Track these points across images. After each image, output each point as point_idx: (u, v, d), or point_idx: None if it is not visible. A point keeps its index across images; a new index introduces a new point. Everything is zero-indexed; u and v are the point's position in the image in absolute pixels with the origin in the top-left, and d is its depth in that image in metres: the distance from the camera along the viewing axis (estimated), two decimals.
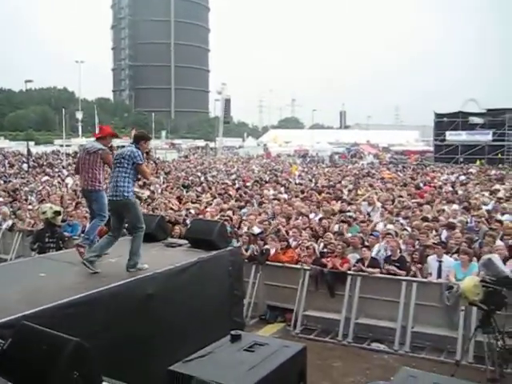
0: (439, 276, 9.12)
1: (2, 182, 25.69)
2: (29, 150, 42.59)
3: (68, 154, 49.20)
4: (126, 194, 6.37)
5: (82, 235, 7.45)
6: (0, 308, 4.77)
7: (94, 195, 7.07)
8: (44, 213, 9.93)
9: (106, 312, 5.31)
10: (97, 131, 8.06)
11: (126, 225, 7.14)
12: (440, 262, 9.21)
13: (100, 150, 6.96)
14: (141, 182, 22.31)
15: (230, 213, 13.34)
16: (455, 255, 9.55)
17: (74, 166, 8.61)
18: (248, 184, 22.48)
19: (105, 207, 6.92)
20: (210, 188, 20.88)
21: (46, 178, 28.51)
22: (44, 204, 12.94)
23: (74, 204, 16.02)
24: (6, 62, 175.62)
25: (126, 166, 6.40)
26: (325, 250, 10.28)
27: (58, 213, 9.91)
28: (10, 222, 14.52)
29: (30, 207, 15.90)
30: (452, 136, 49.88)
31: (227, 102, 60.68)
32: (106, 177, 7.64)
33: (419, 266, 9.42)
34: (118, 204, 6.46)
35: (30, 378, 3.05)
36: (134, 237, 6.61)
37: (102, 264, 6.65)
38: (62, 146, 56.42)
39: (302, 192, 18.63)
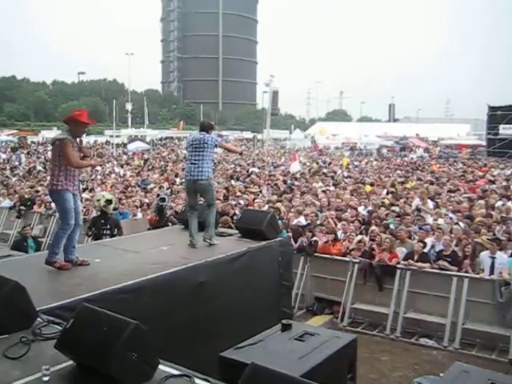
0: (492, 272, 8.92)
1: None
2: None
3: (118, 145, 50.27)
4: (209, 176, 7.23)
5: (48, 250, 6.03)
6: (60, 291, 4.96)
7: (54, 196, 5.98)
8: (98, 200, 10.20)
9: (159, 298, 5.41)
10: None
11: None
12: (493, 258, 9.01)
13: (57, 140, 5.80)
14: None
15: (278, 204, 13.36)
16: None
17: None
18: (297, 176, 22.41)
19: (68, 213, 5.80)
20: (259, 177, 20.97)
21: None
22: (98, 192, 13.27)
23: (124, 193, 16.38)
24: (59, 55, 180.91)
25: (209, 150, 7.16)
26: (371, 243, 10.19)
27: (109, 201, 10.14)
28: None
29: (83, 195, 16.30)
30: (506, 129, 48.19)
31: (275, 93, 60.54)
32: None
33: (468, 261, 9.23)
34: (201, 185, 7.19)
35: (91, 356, 3.17)
36: (209, 212, 7.34)
37: (155, 252, 6.81)
38: (111, 136, 57.66)
39: (347, 184, 18.50)
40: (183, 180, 20.18)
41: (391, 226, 11.09)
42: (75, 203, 5.95)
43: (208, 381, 3.30)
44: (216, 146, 7.41)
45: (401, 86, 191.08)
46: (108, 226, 9.83)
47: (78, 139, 6.04)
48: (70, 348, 3.32)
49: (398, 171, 25.86)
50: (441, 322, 8.88)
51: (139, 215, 13.28)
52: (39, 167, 28.12)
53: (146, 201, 14.87)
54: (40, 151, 42.76)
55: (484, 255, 9.16)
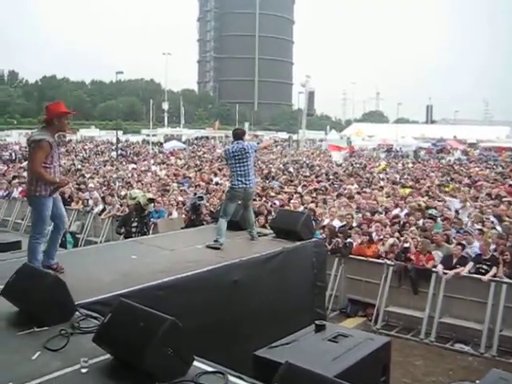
0: None
1: (93, 169, 26.88)
2: (118, 139, 44.24)
3: (154, 144, 50.90)
4: (255, 183, 7.99)
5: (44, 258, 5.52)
6: (97, 287, 5.05)
7: (31, 202, 5.44)
8: (134, 198, 10.16)
9: (194, 296, 5.47)
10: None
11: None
12: None
13: (33, 142, 5.21)
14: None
15: (312, 205, 13.32)
16: None
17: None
18: (331, 177, 22.31)
19: (45, 221, 5.42)
20: (292, 180, 20.91)
21: (133, 165, 29.60)
22: (133, 190, 13.41)
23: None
24: (98, 55, 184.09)
25: (251, 158, 7.49)
26: (406, 245, 10.06)
27: (151, 200, 10.23)
28: (100, 207, 15.25)
29: (122, 193, 16.54)
30: None
31: (311, 94, 60.12)
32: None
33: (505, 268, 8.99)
34: (250, 193, 7.71)
35: (127, 351, 3.23)
36: (249, 212, 7.77)
37: (189, 250, 6.88)
38: (148, 135, 58.39)
39: (382, 188, 18.27)
40: (218, 180, 20.43)
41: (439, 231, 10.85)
42: (57, 208, 5.54)
43: (242, 378, 3.32)
44: (256, 151, 7.75)
45: (438, 87, 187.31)
46: (140, 225, 9.83)
47: (56, 135, 5.54)
48: (107, 342, 3.39)
49: (436, 173, 25.40)
50: (477, 327, 8.70)
51: (174, 214, 13.40)
52: (78, 165, 28.69)
53: (181, 199, 14.99)
54: (78, 149, 43.58)
55: None
